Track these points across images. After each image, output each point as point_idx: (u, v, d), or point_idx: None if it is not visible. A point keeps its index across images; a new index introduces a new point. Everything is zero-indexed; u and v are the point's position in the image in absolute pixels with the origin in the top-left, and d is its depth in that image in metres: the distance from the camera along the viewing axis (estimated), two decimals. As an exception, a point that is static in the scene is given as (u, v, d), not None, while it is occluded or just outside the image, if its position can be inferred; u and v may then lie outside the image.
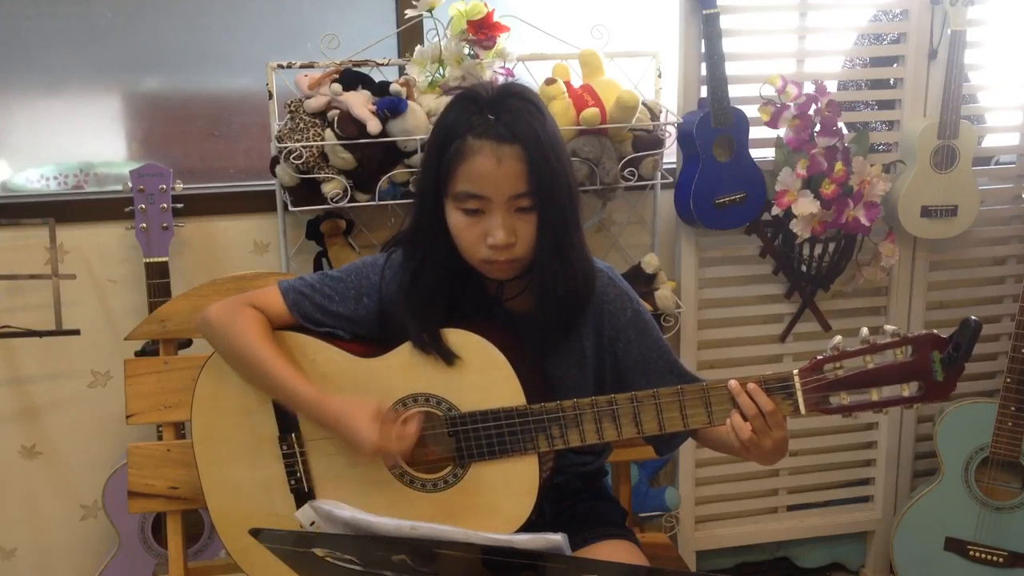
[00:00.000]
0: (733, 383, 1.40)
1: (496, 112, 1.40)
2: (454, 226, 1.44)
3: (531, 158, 1.39)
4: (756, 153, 2.49)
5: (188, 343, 2.14)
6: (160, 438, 2.04)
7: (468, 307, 1.52)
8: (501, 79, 2.30)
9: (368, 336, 1.56)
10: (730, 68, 2.40)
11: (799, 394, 1.38)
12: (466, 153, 1.39)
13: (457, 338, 1.47)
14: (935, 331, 1.35)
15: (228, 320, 1.52)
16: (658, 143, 2.37)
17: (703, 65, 2.44)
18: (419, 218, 1.50)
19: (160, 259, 2.24)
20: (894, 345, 1.35)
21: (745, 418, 1.39)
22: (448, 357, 1.46)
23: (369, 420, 1.42)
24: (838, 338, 1.37)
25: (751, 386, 1.39)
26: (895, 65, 2.62)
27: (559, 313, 1.49)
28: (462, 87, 2.21)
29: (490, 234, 1.41)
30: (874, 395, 1.37)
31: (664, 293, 2.45)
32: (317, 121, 2.16)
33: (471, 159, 1.39)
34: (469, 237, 1.43)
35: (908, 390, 1.37)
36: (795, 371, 1.38)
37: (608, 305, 1.54)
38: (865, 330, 1.36)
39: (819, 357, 1.38)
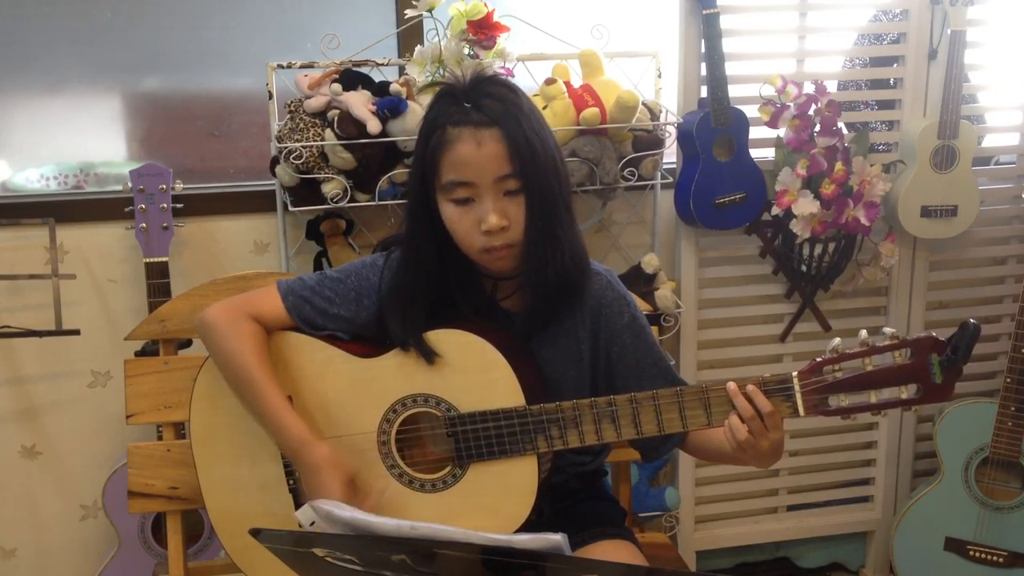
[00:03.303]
0: (731, 385, 1.39)
1: (471, 99, 1.41)
2: (448, 219, 1.45)
3: (511, 138, 1.39)
4: (756, 153, 2.49)
5: (188, 343, 2.13)
6: (160, 438, 2.04)
7: (466, 308, 1.52)
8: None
9: (368, 336, 1.56)
10: (730, 68, 2.40)
11: (798, 396, 1.38)
12: (447, 142, 1.40)
13: (456, 338, 1.47)
14: (933, 333, 1.35)
15: (226, 332, 1.51)
16: (658, 143, 2.37)
17: (703, 65, 2.44)
18: (408, 218, 1.52)
19: (160, 259, 2.24)
20: (893, 347, 1.35)
21: (743, 420, 1.39)
22: (429, 356, 1.46)
23: (341, 484, 1.42)
24: (837, 340, 1.37)
25: (749, 388, 1.38)
26: (895, 65, 2.62)
27: (549, 295, 1.49)
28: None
29: (483, 220, 1.41)
30: (872, 397, 1.37)
31: (664, 293, 2.45)
32: (317, 121, 2.16)
33: (452, 147, 1.40)
34: (464, 227, 1.43)
35: (906, 392, 1.37)
36: (794, 373, 1.38)
37: (605, 308, 1.54)
38: (864, 332, 1.36)
39: (818, 359, 1.38)
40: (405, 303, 1.49)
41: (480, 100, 1.41)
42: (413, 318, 1.48)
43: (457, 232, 1.45)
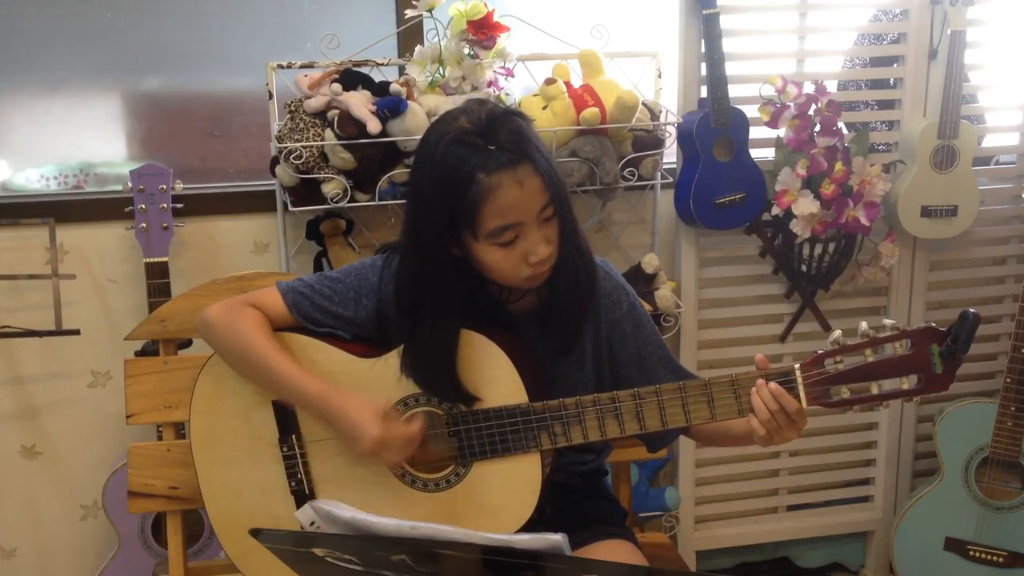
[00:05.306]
0: (760, 382, 1.40)
1: (493, 139, 1.37)
2: (491, 261, 1.42)
3: (542, 168, 1.38)
4: (756, 153, 2.49)
5: (188, 343, 2.13)
6: (160, 438, 2.03)
7: (471, 310, 1.51)
8: (502, 79, 2.30)
9: (368, 336, 1.56)
10: (730, 68, 2.40)
11: (801, 388, 1.39)
12: (486, 192, 1.36)
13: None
14: (933, 324, 1.36)
15: (229, 319, 1.51)
16: (658, 143, 2.37)
17: (703, 65, 2.44)
18: (426, 270, 1.45)
19: (160, 259, 2.23)
20: (893, 339, 1.36)
21: (771, 414, 1.40)
22: (468, 400, 1.47)
23: (373, 417, 1.42)
24: (838, 332, 1.38)
25: (772, 386, 1.39)
26: (895, 65, 2.62)
27: (583, 304, 1.50)
28: (474, 88, 2.21)
29: (532, 252, 1.41)
30: (874, 389, 1.38)
31: (664, 293, 2.45)
32: (317, 121, 2.16)
33: (494, 195, 1.36)
34: (510, 264, 1.42)
35: (907, 383, 1.38)
36: (797, 365, 1.39)
37: (605, 298, 1.55)
38: (864, 324, 1.36)
39: (820, 351, 1.39)
40: (440, 356, 1.46)
41: (501, 138, 1.37)
42: (450, 372, 1.46)
43: (502, 269, 1.43)
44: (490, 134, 1.38)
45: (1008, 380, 2.47)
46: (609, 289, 1.56)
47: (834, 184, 2.45)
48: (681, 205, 2.48)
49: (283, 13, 2.52)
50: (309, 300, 1.54)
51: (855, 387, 1.38)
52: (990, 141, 2.80)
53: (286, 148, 2.13)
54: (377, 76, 2.25)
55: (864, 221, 2.49)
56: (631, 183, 2.34)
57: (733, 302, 2.66)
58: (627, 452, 1.89)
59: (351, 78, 2.21)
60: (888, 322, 1.36)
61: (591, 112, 2.21)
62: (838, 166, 2.44)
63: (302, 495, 1.54)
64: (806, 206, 2.45)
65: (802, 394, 1.39)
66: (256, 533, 1.16)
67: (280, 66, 2.26)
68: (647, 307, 1.66)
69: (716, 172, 2.42)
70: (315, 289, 1.55)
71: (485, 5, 2.21)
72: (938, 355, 1.35)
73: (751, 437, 1.45)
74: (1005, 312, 2.82)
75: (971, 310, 1.32)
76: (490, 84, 2.29)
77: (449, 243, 1.42)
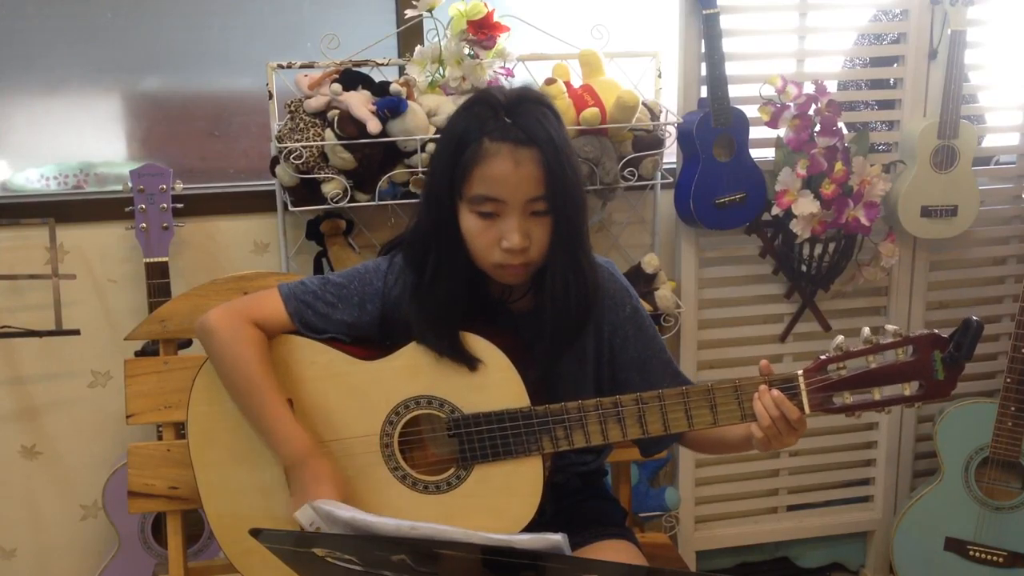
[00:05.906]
0: (763, 388, 1.40)
1: (513, 115, 1.39)
2: (468, 230, 1.43)
3: (547, 162, 1.38)
4: (756, 153, 2.49)
5: (188, 343, 2.13)
6: (160, 438, 2.03)
7: (471, 308, 1.51)
8: (502, 79, 2.30)
9: (369, 339, 1.55)
10: (730, 68, 2.40)
11: (804, 394, 1.39)
12: (483, 156, 1.38)
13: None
14: (936, 331, 1.35)
15: (228, 339, 1.49)
16: (658, 143, 2.37)
17: (703, 65, 2.44)
18: (433, 222, 1.46)
19: (160, 259, 2.23)
20: (896, 345, 1.36)
21: (772, 420, 1.39)
22: (471, 363, 1.46)
23: (337, 499, 1.41)
24: (840, 338, 1.37)
25: (775, 393, 1.38)
26: (895, 65, 2.62)
27: (570, 320, 1.49)
28: (474, 88, 2.22)
29: (505, 237, 1.40)
30: (876, 394, 1.38)
31: (664, 293, 2.45)
32: (317, 121, 2.16)
33: (488, 162, 1.38)
34: (483, 241, 1.42)
35: (909, 389, 1.38)
36: (799, 372, 1.39)
37: (608, 300, 1.55)
38: (867, 330, 1.36)
39: (822, 357, 1.38)
40: (442, 312, 1.46)
41: (521, 117, 1.39)
42: (452, 326, 1.46)
43: (475, 244, 1.43)
44: (513, 110, 1.40)
45: (1008, 380, 2.47)
46: (613, 291, 1.55)
47: (834, 184, 2.45)
48: (681, 205, 2.48)
49: (283, 13, 2.52)
50: (312, 308, 1.53)
51: (857, 393, 1.38)
52: (990, 141, 2.80)
53: (286, 148, 2.13)
54: (377, 76, 2.25)
55: (864, 221, 2.49)
56: (631, 183, 2.34)
57: (733, 302, 2.66)
58: (627, 452, 1.89)
59: (351, 78, 2.21)
60: (890, 327, 1.36)
61: (591, 112, 2.21)
62: (838, 166, 2.44)
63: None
64: (806, 206, 2.45)
65: (805, 400, 1.39)
66: (256, 533, 1.16)
67: (280, 66, 2.26)
68: (647, 307, 1.66)
69: (716, 172, 2.42)
70: (318, 296, 1.53)
71: (485, 5, 2.21)
72: (940, 361, 1.35)
73: (748, 442, 1.44)
74: (1005, 312, 2.82)
75: (974, 317, 1.32)
76: (490, 84, 2.29)
77: (449, 197, 1.43)
